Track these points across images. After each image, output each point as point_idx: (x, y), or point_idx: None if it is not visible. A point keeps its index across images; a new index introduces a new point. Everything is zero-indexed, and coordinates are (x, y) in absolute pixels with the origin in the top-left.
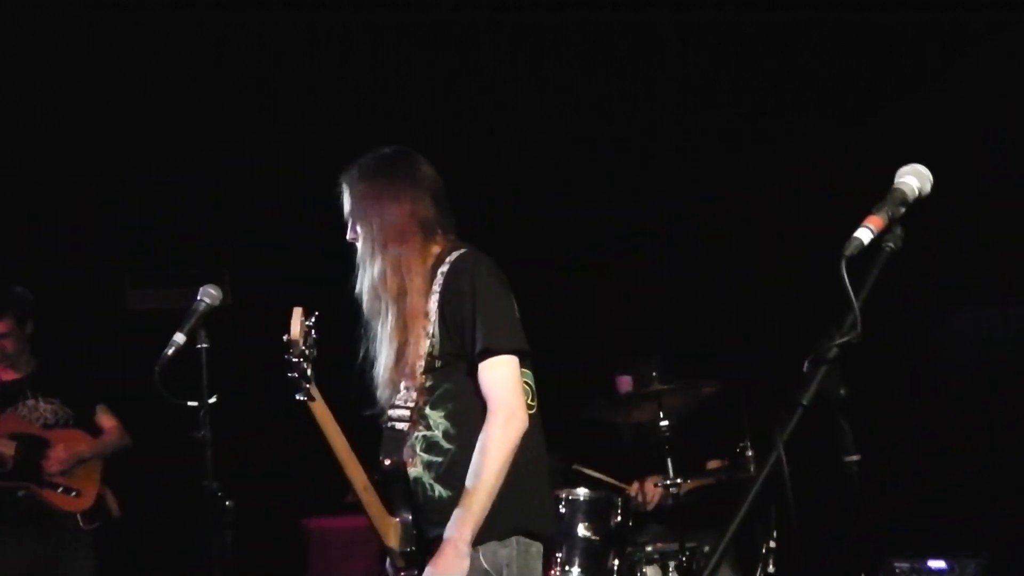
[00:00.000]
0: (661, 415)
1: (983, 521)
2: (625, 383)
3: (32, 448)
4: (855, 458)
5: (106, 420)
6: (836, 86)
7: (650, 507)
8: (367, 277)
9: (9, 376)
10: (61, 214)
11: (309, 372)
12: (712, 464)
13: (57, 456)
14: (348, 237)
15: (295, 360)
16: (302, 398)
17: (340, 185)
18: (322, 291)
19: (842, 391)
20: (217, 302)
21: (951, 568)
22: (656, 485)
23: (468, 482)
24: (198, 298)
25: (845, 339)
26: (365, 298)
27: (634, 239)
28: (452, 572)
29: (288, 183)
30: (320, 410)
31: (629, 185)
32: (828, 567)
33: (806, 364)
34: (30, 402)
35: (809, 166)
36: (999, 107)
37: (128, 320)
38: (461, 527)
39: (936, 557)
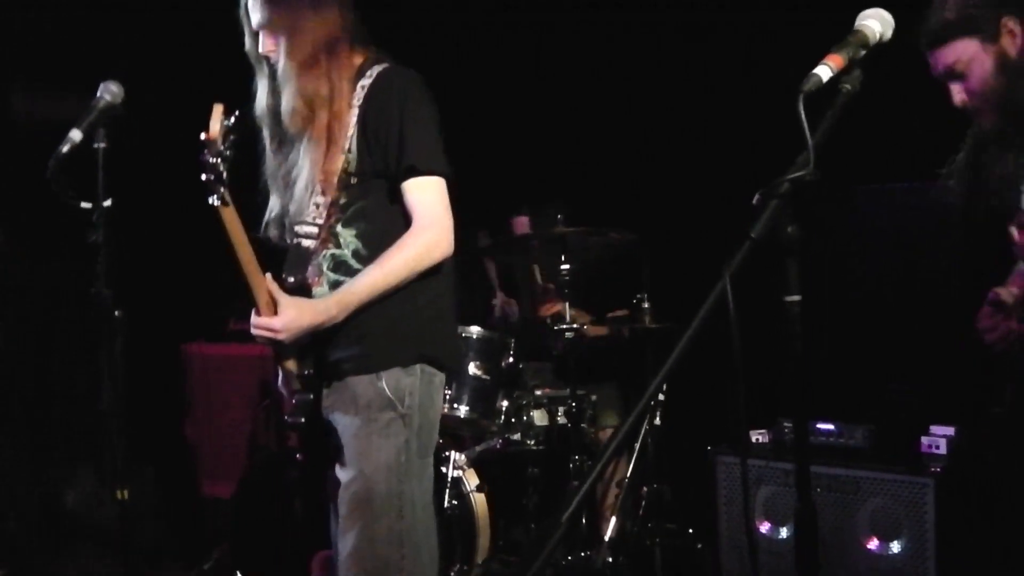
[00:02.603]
0: (563, 259)
1: (875, 391)
2: (521, 224)
3: None
4: (796, 298)
5: None
6: None
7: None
8: (291, 91)
9: None
10: None
11: (225, 175)
12: (614, 313)
13: None
14: (262, 50)
15: (211, 161)
16: (215, 202)
17: None
18: (225, 100)
19: (790, 229)
20: (119, 100)
21: (839, 431)
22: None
23: (368, 269)
24: (98, 95)
25: (799, 174)
26: (288, 113)
27: (553, 82)
28: (301, 318)
29: None
30: (230, 217)
31: (548, 23)
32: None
33: (757, 197)
34: None
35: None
36: None
37: (15, 128)
38: (335, 300)
39: (825, 420)
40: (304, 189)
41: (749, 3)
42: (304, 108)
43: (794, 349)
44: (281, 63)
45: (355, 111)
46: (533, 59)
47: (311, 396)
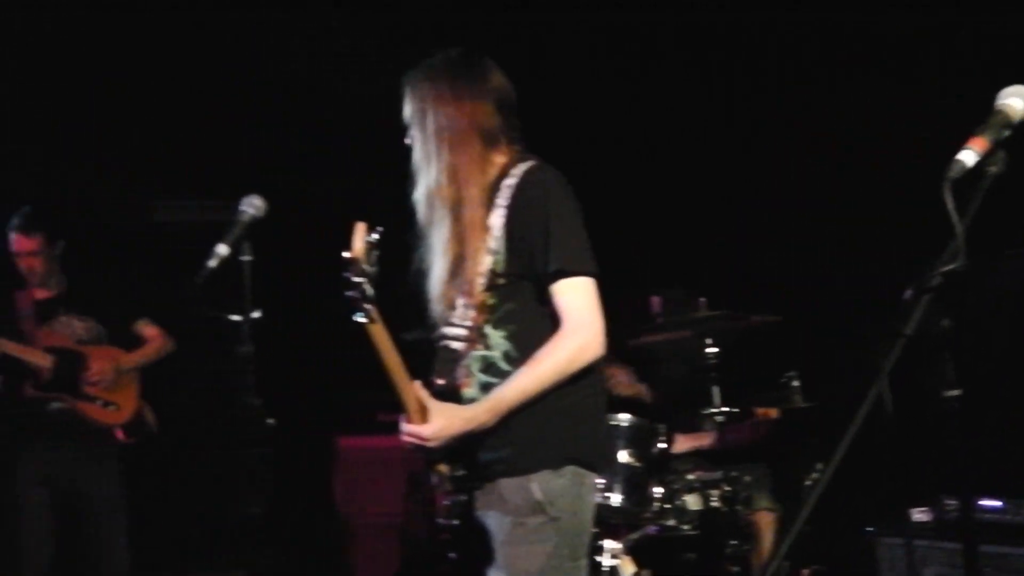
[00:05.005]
0: (709, 342)
1: None
2: (656, 303)
3: (70, 362)
4: (956, 393)
5: (148, 330)
6: None
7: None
8: (422, 184)
9: (42, 295)
10: (87, 125)
11: (370, 292)
12: (764, 412)
13: (99, 367)
14: (407, 141)
15: (355, 280)
16: (361, 320)
17: (403, 87)
18: (364, 203)
19: (944, 322)
20: (262, 213)
21: (1005, 508)
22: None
23: (517, 373)
24: (241, 208)
25: (949, 267)
26: (420, 206)
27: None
28: (450, 426)
29: (327, 86)
30: (377, 332)
31: (683, 99)
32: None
33: (908, 293)
34: (63, 319)
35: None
36: None
37: (155, 234)
38: (485, 408)
39: (990, 496)
40: (437, 284)
41: (895, 79)
42: (430, 201)
43: (956, 444)
44: (415, 154)
45: (501, 211)
46: (676, 142)
47: (464, 498)
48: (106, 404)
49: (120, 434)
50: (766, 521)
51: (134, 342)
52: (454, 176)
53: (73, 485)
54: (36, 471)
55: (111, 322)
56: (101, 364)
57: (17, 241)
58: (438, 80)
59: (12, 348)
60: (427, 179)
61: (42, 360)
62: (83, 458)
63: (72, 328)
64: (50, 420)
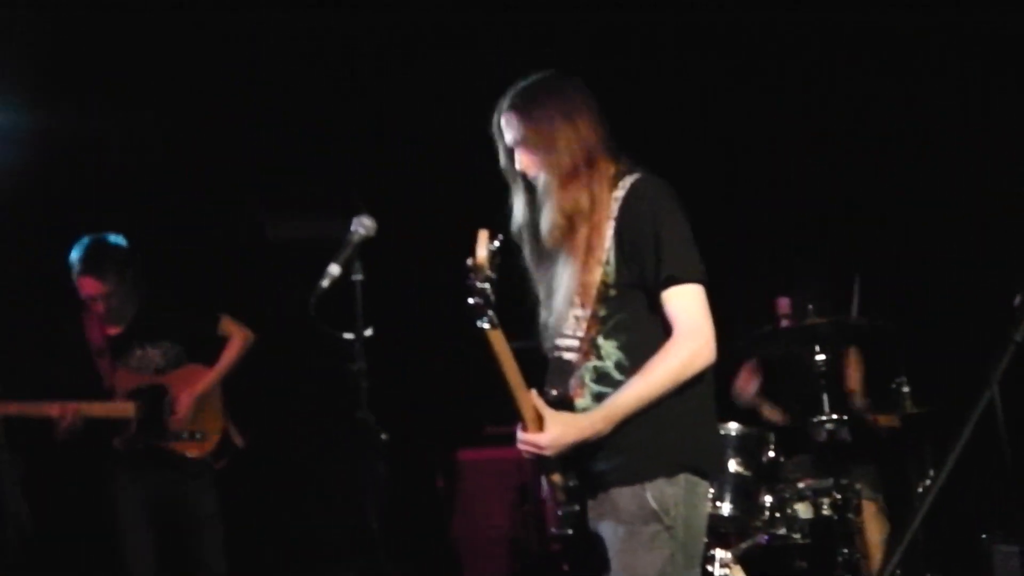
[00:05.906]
0: (817, 349)
1: None
2: (784, 305)
3: (151, 401)
4: None
5: (229, 327)
6: None
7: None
8: (551, 206)
9: (114, 330)
10: (196, 143)
11: (493, 298)
12: (884, 420)
13: (181, 407)
14: (519, 167)
15: (479, 285)
16: (484, 325)
17: (499, 112)
18: (470, 221)
19: None
20: (372, 232)
21: None
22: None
23: (631, 380)
24: (352, 229)
25: None
26: (548, 228)
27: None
28: (566, 434)
29: (431, 107)
30: (497, 338)
31: (811, 99)
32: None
33: (1018, 299)
34: (138, 352)
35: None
36: None
37: (269, 251)
38: (601, 415)
39: None
40: (564, 302)
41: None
42: (564, 222)
43: None
44: (542, 179)
45: (611, 223)
46: (790, 147)
47: (577, 507)
48: (192, 435)
49: (211, 461)
50: (870, 511)
51: (219, 344)
52: (587, 193)
53: (170, 501)
54: (134, 492)
55: (189, 336)
56: (182, 394)
57: (87, 285)
58: (550, 104)
59: (96, 409)
60: (557, 200)
61: (125, 411)
62: (178, 477)
63: (148, 359)
64: (142, 455)
